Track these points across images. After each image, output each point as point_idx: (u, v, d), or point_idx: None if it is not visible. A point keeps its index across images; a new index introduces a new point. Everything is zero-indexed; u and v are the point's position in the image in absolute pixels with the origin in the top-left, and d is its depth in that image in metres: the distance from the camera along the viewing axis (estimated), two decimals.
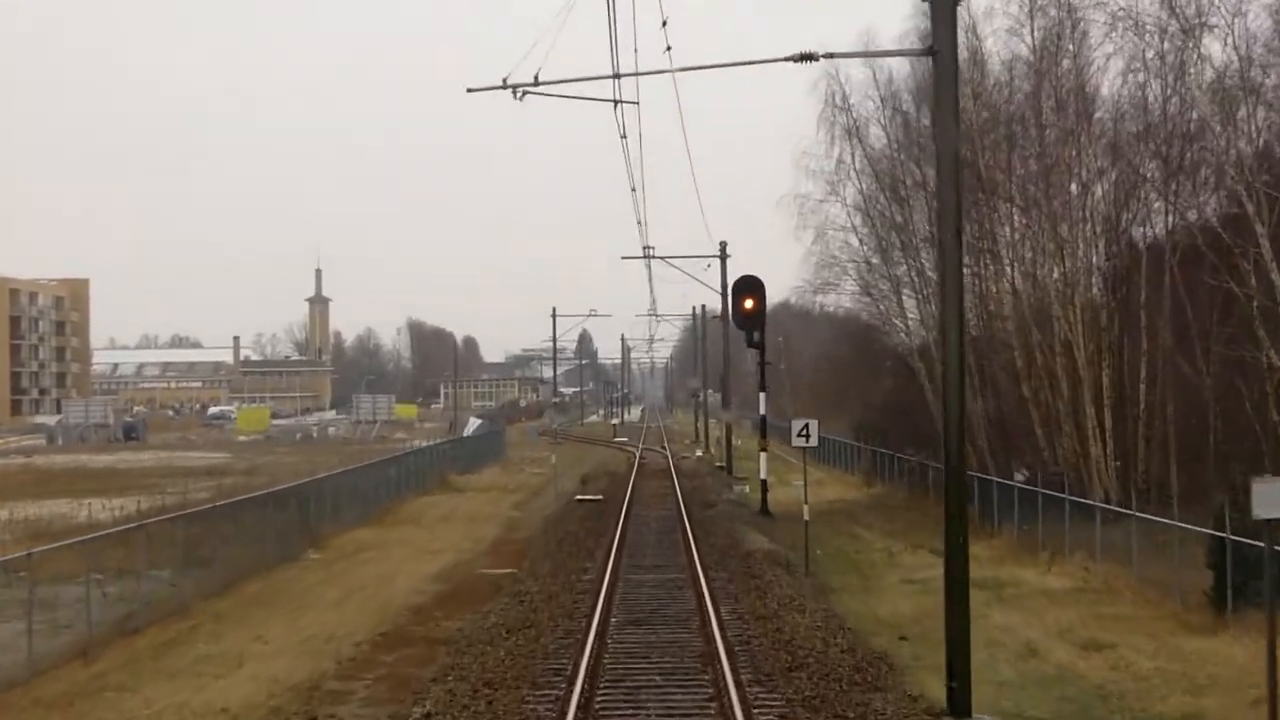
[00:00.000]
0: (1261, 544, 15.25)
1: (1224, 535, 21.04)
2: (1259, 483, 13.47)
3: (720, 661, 18.11)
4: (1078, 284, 37.42)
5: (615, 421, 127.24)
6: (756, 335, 41.34)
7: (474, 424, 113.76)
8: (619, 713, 15.94)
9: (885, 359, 66.01)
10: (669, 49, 20.52)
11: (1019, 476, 38.60)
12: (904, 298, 47.35)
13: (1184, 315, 36.63)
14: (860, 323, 65.52)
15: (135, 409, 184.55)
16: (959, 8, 15.76)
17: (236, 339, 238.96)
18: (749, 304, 40.75)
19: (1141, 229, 38.41)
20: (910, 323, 47.89)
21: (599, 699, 16.51)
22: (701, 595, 24.02)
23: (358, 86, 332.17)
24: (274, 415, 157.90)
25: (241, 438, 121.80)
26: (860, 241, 47.97)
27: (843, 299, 49.88)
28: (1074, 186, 38.26)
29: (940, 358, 15.59)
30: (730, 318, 49.32)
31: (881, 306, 48.73)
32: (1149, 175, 37.86)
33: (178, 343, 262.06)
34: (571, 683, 17.14)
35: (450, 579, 28.75)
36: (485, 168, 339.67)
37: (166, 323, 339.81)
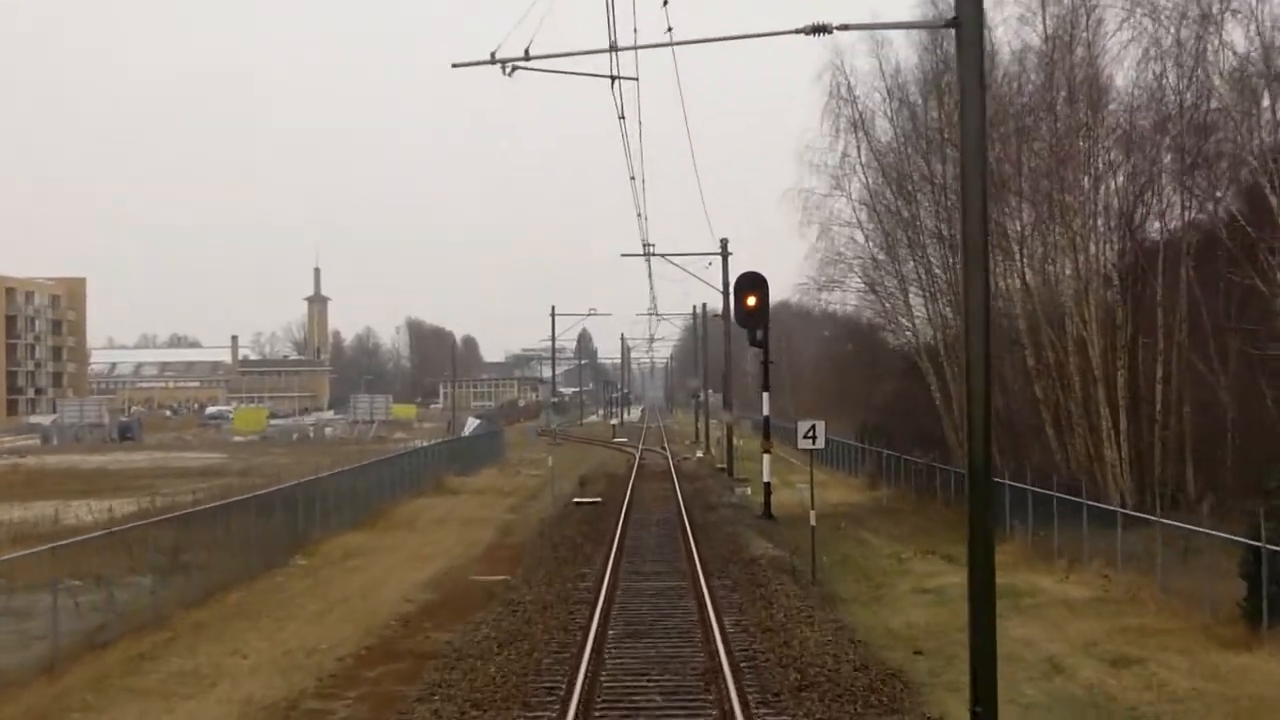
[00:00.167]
0: None
1: (1259, 544, 19.84)
2: None
3: (725, 679, 16.95)
4: (1091, 280, 36.23)
5: (615, 422, 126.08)
6: (760, 333, 40.13)
7: (472, 424, 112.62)
8: None
9: (889, 359, 64.86)
10: (670, 30, 19.32)
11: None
12: (910, 296, 46.15)
13: (1200, 312, 35.51)
14: (863, 322, 64.41)
15: (132, 409, 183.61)
16: None
17: (235, 338, 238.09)
18: (752, 301, 39.55)
19: (1158, 223, 37.26)
20: (917, 321, 46.69)
21: None
22: (704, 605, 22.86)
23: (356, 85, 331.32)
24: (272, 415, 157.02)
25: (238, 438, 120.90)
26: (866, 238, 46.79)
27: (848, 297, 48.62)
28: (1087, 180, 37.08)
29: (963, 351, 14.27)
30: (732, 316, 48.09)
31: (887, 305, 47.49)
32: (1165, 168, 36.69)
33: (176, 342, 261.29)
34: (566, 703, 16.00)
35: (441, 587, 27.57)
36: (485, 167, 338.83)
37: (165, 322, 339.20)
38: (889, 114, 44.89)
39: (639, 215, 43.37)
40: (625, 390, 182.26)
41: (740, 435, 71.93)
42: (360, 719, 16.57)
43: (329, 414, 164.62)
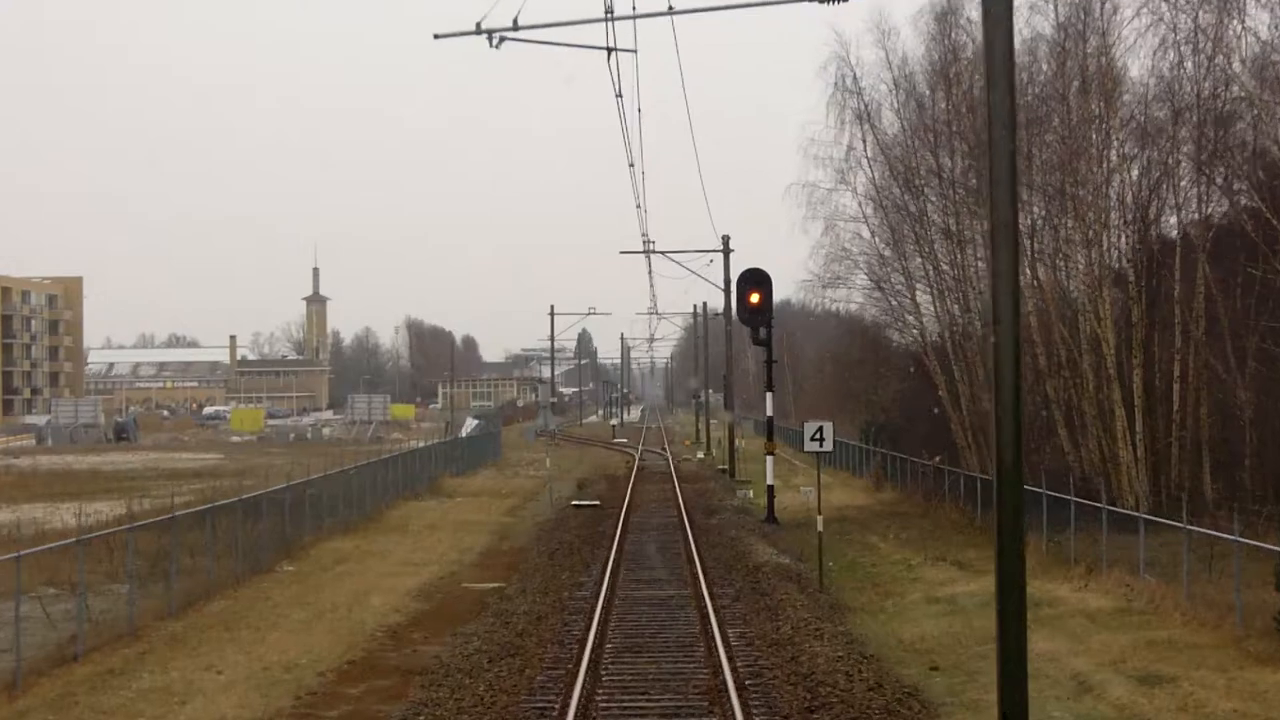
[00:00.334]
0: None
1: None
2: None
3: (730, 699, 15.82)
4: (1105, 276, 35.08)
5: (614, 422, 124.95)
6: (763, 331, 38.97)
7: (471, 424, 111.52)
8: None
9: (893, 359, 63.73)
10: (670, 7, 18.20)
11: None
12: (917, 293, 44.93)
13: (1217, 308, 34.41)
14: (866, 321, 63.26)
15: (130, 409, 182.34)
16: None
17: (233, 338, 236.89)
18: (755, 298, 38.39)
19: (1174, 217, 36.12)
20: (924, 319, 45.51)
21: None
22: (706, 616, 21.72)
23: (356, 84, 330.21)
24: (270, 415, 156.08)
25: (234, 439, 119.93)
26: (872, 233, 45.50)
27: (853, 294, 47.25)
28: (1100, 173, 35.94)
29: (981, 348, 13.07)
30: (735, 313, 46.91)
31: (893, 302, 46.25)
32: (1181, 160, 35.55)
33: (175, 342, 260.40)
34: None
35: (432, 596, 26.42)
36: (485, 165, 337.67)
37: (164, 322, 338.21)
38: (895, 106, 43.77)
39: (638, 207, 42.16)
40: (625, 390, 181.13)
41: (741, 436, 70.76)
42: None
43: (328, 414, 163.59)
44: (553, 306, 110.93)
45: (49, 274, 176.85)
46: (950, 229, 41.97)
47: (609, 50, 15.83)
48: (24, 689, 18.09)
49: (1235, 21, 31.12)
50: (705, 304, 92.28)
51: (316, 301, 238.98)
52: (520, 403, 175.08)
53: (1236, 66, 31.61)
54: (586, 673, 17.45)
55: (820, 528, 27.45)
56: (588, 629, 20.81)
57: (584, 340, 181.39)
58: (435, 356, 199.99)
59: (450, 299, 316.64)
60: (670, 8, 16.65)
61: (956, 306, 42.98)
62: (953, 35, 40.69)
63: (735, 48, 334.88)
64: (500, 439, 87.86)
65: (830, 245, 45.94)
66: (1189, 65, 34.30)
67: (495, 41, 13.25)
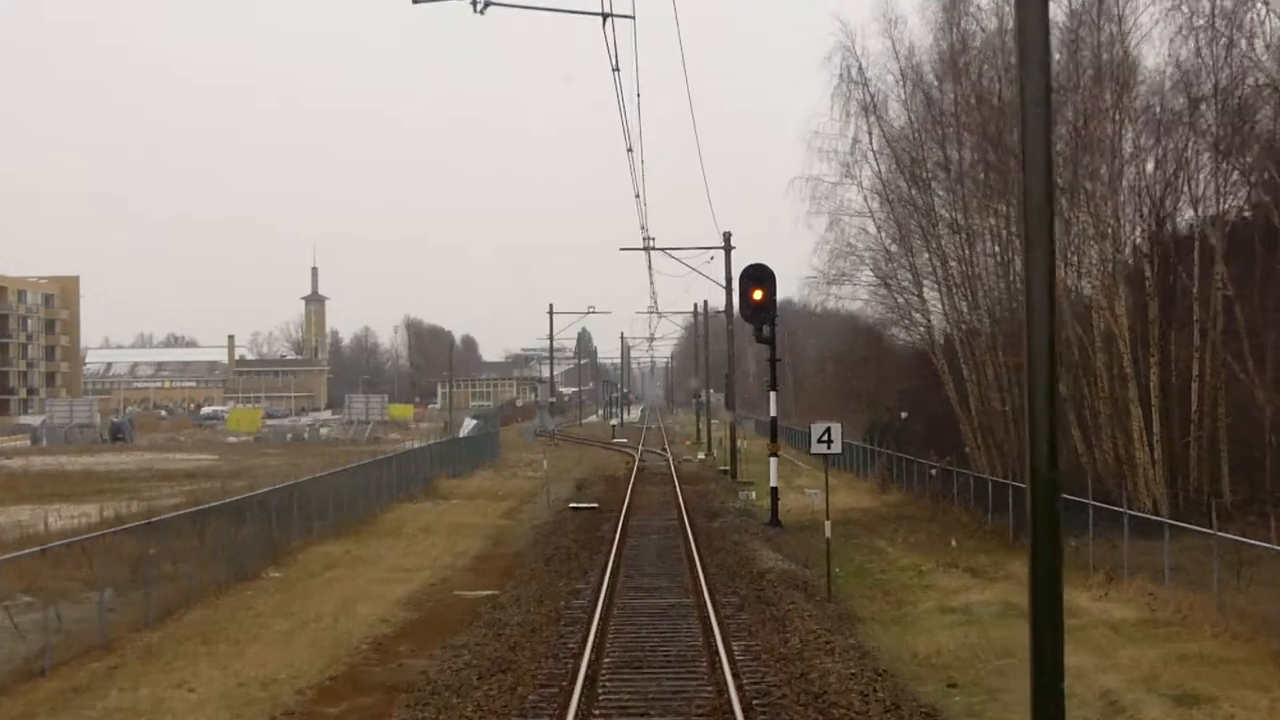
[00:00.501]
0: None
1: None
2: None
3: None
4: (1120, 271, 33.93)
5: (614, 422, 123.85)
6: (766, 329, 37.81)
7: (469, 424, 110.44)
8: None
9: (897, 358, 62.69)
10: None
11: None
12: (925, 290, 43.75)
13: (1234, 305, 33.29)
14: (868, 320, 62.14)
15: (128, 409, 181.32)
16: None
17: (231, 338, 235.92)
18: (758, 295, 37.23)
19: (1190, 211, 34.98)
20: (932, 317, 44.32)
21: None
22: (710, 628, 20.58)
23: (356, 84, 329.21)
24: (268, 415, 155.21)
25: (231, 439, 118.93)
26: (878, 228, 44.24)
27: (859, 291, 45.93)
28: (1114, 165, 34.80)
29: (1025, 337, 11.86)
30: (737, 311, 45.76)
31: (900, 299, 45.00)
32: (1198, 152, 34.42)
33: (173, 342, 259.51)
34: None
35: (422, 605, 25.27)
36: (485, 165, 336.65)
37: (163, 322, 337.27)
38: (902, 97, 42.50)
39: (637, 197, 40.92)
40: (625, 390, 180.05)
41: (743, 436, 69.62)
42: None
43: (326, 414, 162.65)
44: (551, 305, 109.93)
45: (49, 274, 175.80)
46: (958, 223, 40.81)
47: (604, 16, 14.72)
48: None
49: (1259, 4, 29.97)
50: (706, 302, 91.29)
51: (315, 301, 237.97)
52: (519, 402, 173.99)
53: (1260, 49, 30.45)
54: (582, 692, 16.31)
55: (828, 533, 26.29)
56: (584, 642, 19.68)
57: (584, 340, 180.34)
58: (434, 356, 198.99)
59: (450, 299, 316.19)
60: None
61: (964, 303, 41.81)
62: (961, 24, 39.58)
63: (735, 43, 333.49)
64: (499, 439, 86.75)
65: (835, 241, 44.74)
66: (1207, 53, 33.18)
67: (479, 7, 12.17)
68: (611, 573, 27.10)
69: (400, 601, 25.41)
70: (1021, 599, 24.45)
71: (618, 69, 19.09)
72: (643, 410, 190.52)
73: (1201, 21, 32.38)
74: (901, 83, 42.13)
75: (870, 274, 45.29)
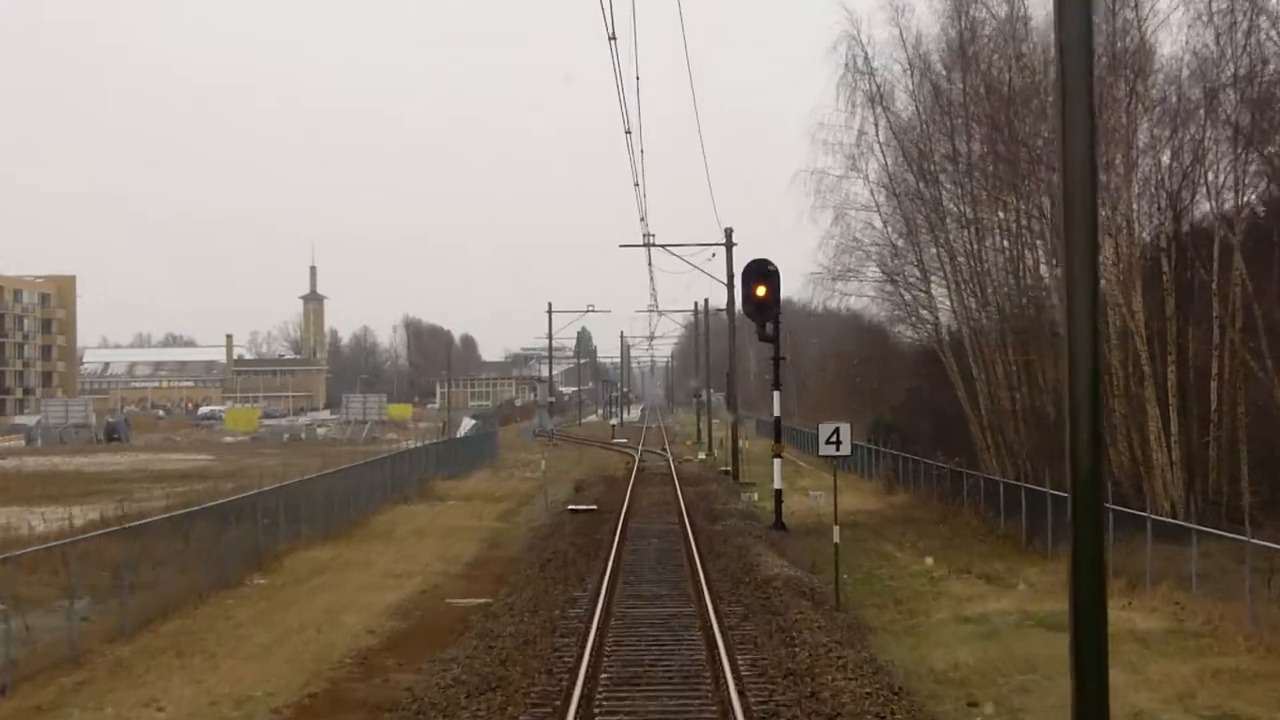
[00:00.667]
0: None
1: None
2: None
3: None
4: (1138, 267, 32.78)
5: (614, 422, 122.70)
6: (770, 326, 36.65)
7: (468, 424, 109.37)
8: None
9: (900, 357, 61.59)
10: None
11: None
12: (933, 286, 42.52)
13: (1253, 302, 32.16)
14: (872, 318, 61.03)
15: (125, 408, 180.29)
16: None
17: (229, 337, 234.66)
18: (761, 291, 36.07)
19: (1208, 204, 33.82)
20: (940, 314, 43.14)
21: None
22: (713, 640, 19.44)
23: (356, 84, 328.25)
24: (266, 415, 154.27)
25: (228, 439, 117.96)
26: (884, 222, 42.97)
27: (865, 287, 44.62)
28: (1130, 157, 33.66)
29: (1065, 333, 10.49)
30: (739, 308, 44.57)
31: (908, 295, 43.78)
32: (1215, 144, 33.29)
33: (171, 341, 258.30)
34: None
35: (411, 614, 24.15)
36: (485, 165, 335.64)
37: (163, 322, 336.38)
38: (910, 88, 41.25)
39: (636, 185, 39.75)
40: (625, 389, 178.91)
41: (743, 436, 68.43)
42: None
43: (325, 414, 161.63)
44: (550, 304, 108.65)
45: (48, 274, 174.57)
46: (967, 217, 39.64)
47: None
48: None
49: None
50: (707, 300, 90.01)
51: (314, 300, 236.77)
52: (519, 402, 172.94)
53: None
54: (577, 713, 15.18)
55: (837, 538, 25.12)
56: (580, 656, 18.54)
57: (583, 339, 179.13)
58: (434, 356, 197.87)
59: (450, 299, 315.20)
60: None
61: (973, 299, 40.65)
62: (971, 11, 38.39)
63: (735, 42, 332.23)
64: (497, 439, 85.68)
65: (840, 235, 43.45)
66: (1226, 39, 32.03)
67: None
68: (610, 579, 25.97)
69: (388, 610, 24.29)
70: (1040, 607, 23.37)
71: (614, 38, 17.93)
72: (643, 410, 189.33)
73: (1222, 5, 31.26)
74: (909, 72, 40.95)
75: (876, 270, 44.10)
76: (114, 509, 40.21)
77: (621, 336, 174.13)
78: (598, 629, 20.53)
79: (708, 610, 21.96)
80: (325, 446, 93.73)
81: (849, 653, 18.75)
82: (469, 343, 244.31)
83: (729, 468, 60.71)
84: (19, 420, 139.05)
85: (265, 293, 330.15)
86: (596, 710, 15.69)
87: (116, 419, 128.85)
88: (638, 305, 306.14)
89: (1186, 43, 32.67)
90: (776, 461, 39.15)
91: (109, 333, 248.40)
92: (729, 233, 56.53)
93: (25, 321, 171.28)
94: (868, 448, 54.97)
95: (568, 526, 37.35)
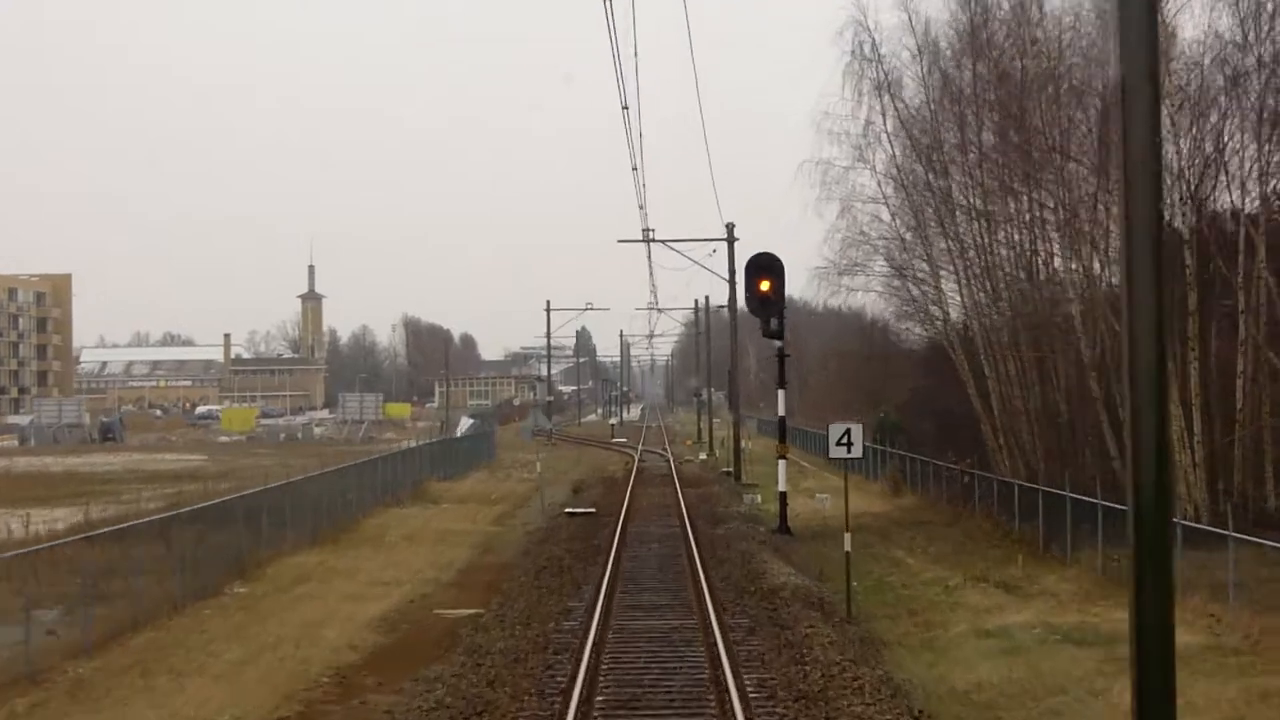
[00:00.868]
0: None
1: None
2: None
3: None
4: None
5: (614, 421, 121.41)
6: (774, 322, 35.27)
7: (466, 424, 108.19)
8: None
9: (904, 356, 60.29)
10: None
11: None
12: (942, 281, 41.09)
13: (1275, 298, 30.84)
14: (873, 316, 59.69)
15: (122, 408, 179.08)
16: None
17: (227, 336, 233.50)
18: (765, 285, 34.68)
19: (1232, 194, 32.48)
20: (950, 309, 41.72)
21: None
22: (717, 658, 18.06)
23: (356, 84, 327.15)
24: (264, 414, 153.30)
25: (224, 438, 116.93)
26: (893, 215, 41.48)
27: (872, 282, 43.08)
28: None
29: (1126, 327, 8.99)
30: (743, 304, 43.20)
31: (916, 291, 42.30)
32: (1238, 133, 31.95)
33: (169, 341, 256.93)
34: None
35: (397, 626, 22.79)
36: (485, 165, 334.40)
37: (162, 322, 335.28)
38: (919, 75, 39.76)
39: (634, 169, 38.36)
40: (624, 388, 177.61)
41: (745, 436, 67.04)
42: None
43: (323, 413, 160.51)
44: (549, 302, 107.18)
45: (44, 272, 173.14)
46: (978, 209, 38.24)
47: None
48: None
49: None
50: (708, 298, 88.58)
51: (312, 299, 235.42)
52: (517, 401, 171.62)
53: None
54: None
55: (848, 545, 23.72)
56: (575, 675, 17.17)
57: (583, 338, 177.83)
58: (433, 355, 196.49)
59: (450, 298, 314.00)
60: None
61: (983, 295, 39.26)
62: None
63: (735, 42, 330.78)
64: (495, 439, 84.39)
65: (847, 229, 41.94)
66: (1250, 24, 30.69)
67: None
68: (608, 588, 24.60)
69: (372, 623, 22.93)
70: (1063, 619, 21.96)
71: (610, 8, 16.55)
72: (642, 409, 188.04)
73: None
74: (918, 59, 39.45)
75: (884, 264, 42.60)
76: (99, 511, 38.97)
77: (621, 335, 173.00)
78: (593, 645, 19.17)
79: (711, 623, 20.59)
80: (321, 446, 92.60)
81: (865, 671, 17.39)
82: (468, 342, 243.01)
83: (730, 468, 59.35)
84: (13, 420, 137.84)
85: (264, 292, 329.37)
86: None
87: (111, 419, 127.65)
88: (637, 303, 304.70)
89: (1209, 26, 31.32)
90: (781, 463, 37.78)
91: (108, 332, 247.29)
92: (730, 228, 55.11)
93: (20, 320, 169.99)
94: (872, 448, 53.44)
95: (565, 530, 36.00)
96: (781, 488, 37.14)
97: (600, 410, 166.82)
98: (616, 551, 30.22)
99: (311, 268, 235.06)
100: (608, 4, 18.52)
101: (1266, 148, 31.93)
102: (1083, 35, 34.06)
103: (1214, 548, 23.02)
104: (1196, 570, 22.55)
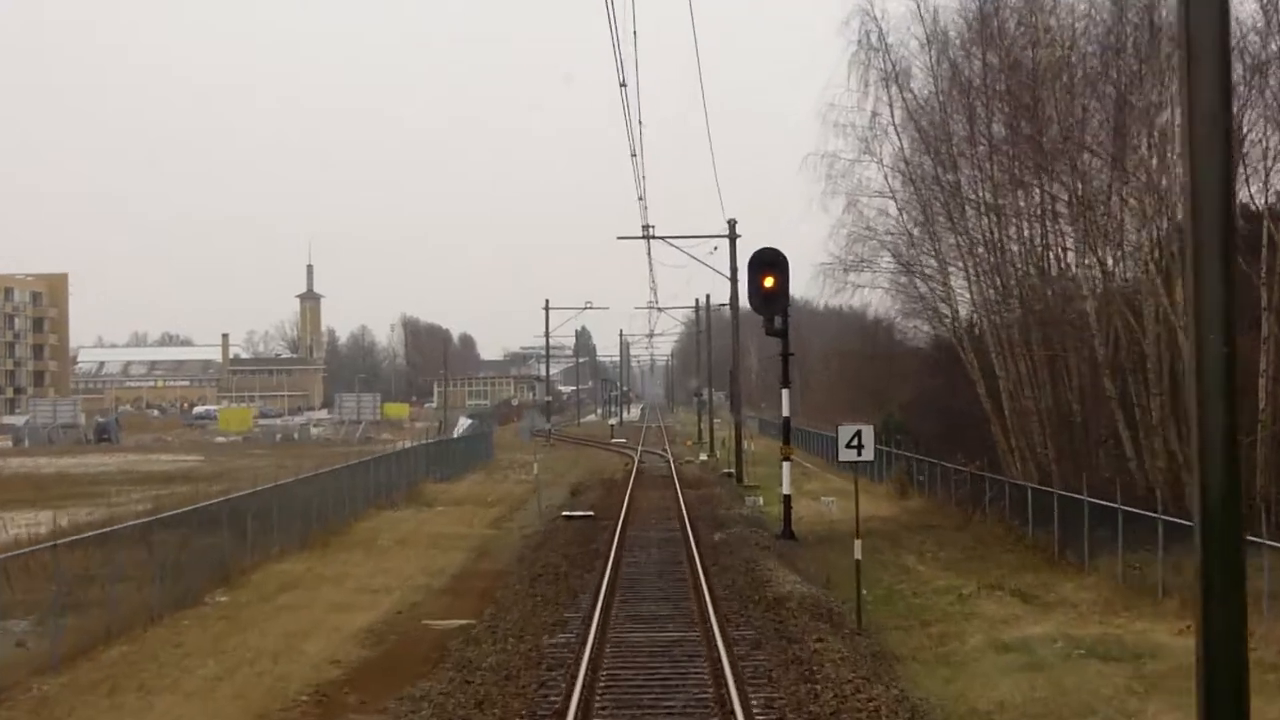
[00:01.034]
0: None
1: None
2: None
3: None
4: (1179, 255, 30.26)
5: (613, 421, 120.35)
6: (779, 320, 34.16)
7: (464, 424, 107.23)
8: None
9: (913, 352, 59.22)
10: None
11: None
12: (951, 277, 39.88)
13: None
14: (876, 315, 58.55)
15: (120, 408, 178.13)
16: None
17: (225, 336, 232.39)
18: (769, 282, 33.57)
19: (1253, 188, 31.33)
20: (960, 307, 40.55)
21: None
22: (721, 675, 16.93)
23: (356, 84, 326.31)
24: (262, 414, 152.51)
25: (220, 439, 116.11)
26: (900, 210, 40.28)
27: (878, 278, 41.82)
28: (1167, 137, 31.20)
29: (1191, 312, 7.86)
30: (745, 301, 42.06)
31: (925, 287, 41.10)
32: (1265, 119, 30.81)
33: (167, 340, 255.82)
34: None
35: (384, 638, 21.67)
36: (485, 165, 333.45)
37: (162, 322, 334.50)
38: (928, 65, 38.57)
39: (633, 156, 37.18)
40: (624, 388, 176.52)
41: (747, 436, 65.89)
42: None
43: (321, 413, 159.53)
44: (547, 301, 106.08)
45: (42, 271, 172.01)
46: (988, 203, 37.09)
47: None
48: None
49: None
50: (709, 296, 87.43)
51: (310, 299, 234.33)
52: (515, 401, 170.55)
53: None
54: None
55: (858, 554, 22.57)
56: (569, 695, 16.06)
57: (583, 337, 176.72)
58: (432, 355, 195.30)
59: (450, 298, 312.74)
60: None
61: (992, 291, 38.12)
62: None
63: (735, 42, 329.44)
64: (492, 439, 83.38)
65: (853, 223, 40.72)
66: (1272, 11, 29.53)
67: None
68: (605, 597, 23.48)
69: (357, 635, 21.80)
70: (1085, 631, 20.78)
71: None
72: (642, 409, 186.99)
73: None
74: (926, 48, 38.24)
75: (890, 260, 41.37)
76: (86, 514, 37.90)
77: (620, 334, 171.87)
78: (590, 661, 18.04)
79: (714, 636, 19.47)
80: (318, 447, 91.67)
81: (879, 690, 16.26)
82: (468, 342, 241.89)
83: (731, 469, 58.25)
84: (8, 420, 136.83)
85: (264, 293, 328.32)
86: None
87: (106, 419, 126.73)
88: (637, 302, 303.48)
89: (1231, 13, 30.14)
90: (785, 465, 36.64)
91: (107, 333, 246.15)
92: (732, 224, 54.04)
93: (16, 320, 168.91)
94: (877, 449, 52.36)
95: (562, 534, 34.89)
96: (786, 491, 36.01)
97: (600, 410, 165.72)
98: (615, 557, 29.13)
99: (310, 267, 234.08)
100: None
101: None
102: (1097, 23, 32.93)
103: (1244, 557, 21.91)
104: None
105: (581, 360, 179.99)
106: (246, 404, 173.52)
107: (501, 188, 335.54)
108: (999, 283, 37.60)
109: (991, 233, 37.31)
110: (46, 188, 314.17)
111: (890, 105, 38.87)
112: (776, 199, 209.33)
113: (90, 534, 25.20)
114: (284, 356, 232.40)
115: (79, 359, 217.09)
